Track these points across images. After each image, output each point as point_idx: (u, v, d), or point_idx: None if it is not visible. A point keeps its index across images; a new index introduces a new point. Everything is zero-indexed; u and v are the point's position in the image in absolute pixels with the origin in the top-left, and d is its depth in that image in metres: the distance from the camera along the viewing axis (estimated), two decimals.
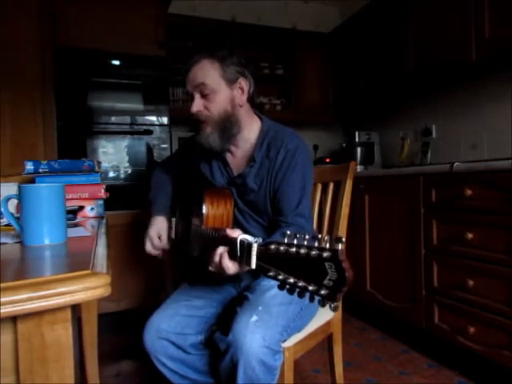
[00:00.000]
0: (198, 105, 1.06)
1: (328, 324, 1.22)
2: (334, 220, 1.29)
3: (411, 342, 1.93)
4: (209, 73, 1.05)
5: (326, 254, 0.53)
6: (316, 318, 1.16)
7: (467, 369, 1.63)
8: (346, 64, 2.96)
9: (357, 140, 2.79)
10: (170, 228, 1.29)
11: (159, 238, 1.23)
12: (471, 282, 1.56)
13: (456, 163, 1.62)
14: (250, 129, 1.14)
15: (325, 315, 1.20)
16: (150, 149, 2.35)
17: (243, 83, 1.10)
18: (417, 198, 1.82)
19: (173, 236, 1.32)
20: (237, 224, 1.16)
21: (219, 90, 1.06)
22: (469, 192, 1.55)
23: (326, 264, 0.53)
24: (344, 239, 0.54)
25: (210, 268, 0.86)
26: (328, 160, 3.00)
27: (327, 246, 0.54)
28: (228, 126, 1.09)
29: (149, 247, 1.23)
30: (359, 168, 2.74)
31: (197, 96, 1.07)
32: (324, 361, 1.56)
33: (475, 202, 1.54)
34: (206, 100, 1.06)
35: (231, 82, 1.08)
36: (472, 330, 1.56)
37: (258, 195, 1.12)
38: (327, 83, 3.13)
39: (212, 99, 1.06)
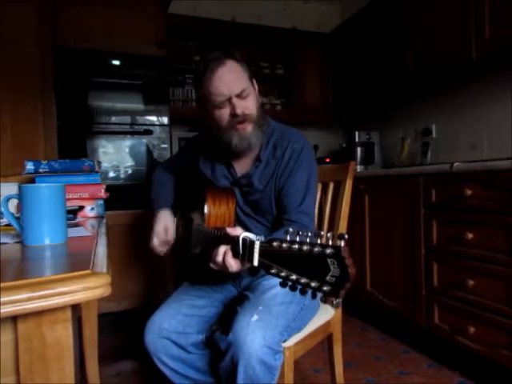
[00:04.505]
0: (241, 106, 1.05)
1: (328, 324, 1.22)
2: (334, 220, 1.29)
3: (411, 342, 1.93)
4: (241, 75, 1.06)
5: (328, 251, 0.53)
6: (316, 318, 1.16)
7: (467, 369, 1.63)
8: (346, 64, 2.96)
9: (357, 140, 2.79)
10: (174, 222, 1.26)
11: (166, 231, 1.19)
12: (471, 282, 1.56)
13: (456, 163, 1.62)
14: None
15: (325, 315, 1.20)
16: (150, 149, 2.36)
17: (255, 82, 1.13)
18: (417, 197, 1.82)
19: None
20: (239, 224, 1.15)
21: (252, 90, 1.08)
22: (469, 192, 1.55)
23: (329, 260, 0.53)
24: (346, 236, 0.54)
25: (212, 266, 0.86)
26: (328, 160, 3.01)
27: (330, 242, 0.54)
28: (262, 122, 1.12)
29: (156, 242, 1.18)
30: (359, 168, 2.74)
31: (235, 98, 1.05)
32: (324, 361, 1.56)
33: (475, 201, 1.54)
34: (244, 100, 1.06)
35: (252, 82, 1.11)
36: (472, 329, 1.56)
37: (263, 195, 1.13)
38: (327, 83, 3.13)
39: (249, 98, 1.07)
